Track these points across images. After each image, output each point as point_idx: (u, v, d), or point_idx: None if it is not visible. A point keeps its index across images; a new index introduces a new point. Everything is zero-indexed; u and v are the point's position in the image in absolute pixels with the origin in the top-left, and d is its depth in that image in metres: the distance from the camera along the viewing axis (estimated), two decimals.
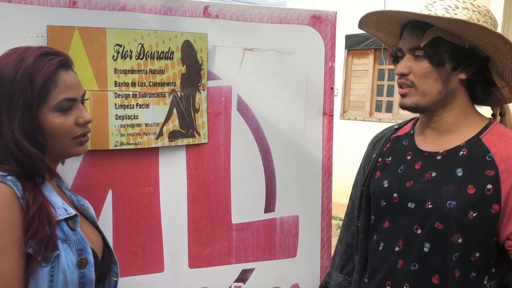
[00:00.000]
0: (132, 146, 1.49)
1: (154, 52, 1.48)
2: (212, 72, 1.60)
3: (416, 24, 1.26)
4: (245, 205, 1.70)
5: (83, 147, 1.23)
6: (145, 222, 1.55)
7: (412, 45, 1.26)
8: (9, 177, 1.08)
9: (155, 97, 1.50)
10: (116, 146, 1.46)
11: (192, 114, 1.57)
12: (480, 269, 1.21)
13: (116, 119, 1.45)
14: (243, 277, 1.72)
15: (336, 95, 7.21)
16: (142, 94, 1.48)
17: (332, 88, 1.78)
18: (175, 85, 1.53)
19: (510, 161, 1.19)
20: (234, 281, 1.71)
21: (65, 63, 1.18)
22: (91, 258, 1.17)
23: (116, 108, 1.44)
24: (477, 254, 1.20)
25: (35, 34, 1.34)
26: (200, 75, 1.57)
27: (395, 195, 1.32)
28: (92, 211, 1.34)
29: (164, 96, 1.52)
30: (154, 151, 1.54)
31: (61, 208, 1.15)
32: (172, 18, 1.51)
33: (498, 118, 1.40)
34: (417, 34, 1.25)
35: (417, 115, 1.40)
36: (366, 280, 1.38)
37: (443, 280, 1.22)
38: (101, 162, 1.47)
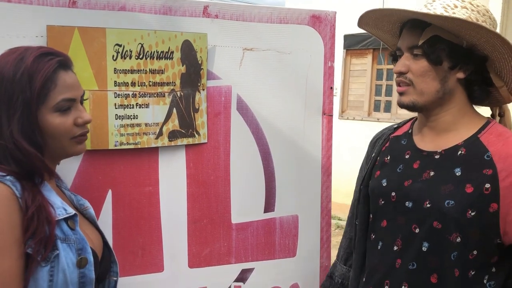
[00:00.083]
0: (132, 146, 1.49)
1: (154, 52, 1.48)
2: (211, 72, 1.60)
3: (415, 23, 1.26)
4: (244, 205, 1.70)
5: (82, 146, 1.23)
6: (144, 222, 1.55)
7: (410, 44, 1.26)
8: (8, 177, 1.08)
9: (154, 97, 1.50)
10: (115, 146, 1.46)
11: (192, 114, 1.57)
12: (478, 268, 1.21)
13: (116, 119, 1.45)
14: (242, 276, 1.72)
15: (335, 95, 7.22)
16: (142, 94, 1.48)
17: (331, 88, 1.79)
18: (174, 85, 1.53)
19: (509, 160, 1.19)
20: (234, 281, 1.71)
21: (65, 64, 1.18)
22: (90, 258, 1.17)
23: (116, 108, 1.44)
24: (475, 252, 1.20)
25: (35, 34, 1.34)
26: (200, 75, 1.57)
27: (393, 194, 1.32)
28: (91, 210, 1.34)
29: (164, 96, 1.52)
30: (154, 151, 1.54)
31: (60, 208, 1.15)
32: (172, 18, 1.51)
33: (498, 118, 1.40)
34: (415, 33, 1.26)
35: (416, 114, 1.40)
36: (364, 280, 1.39)
37: (441, 279, 1.22)
38: (100, 162, 1.47)
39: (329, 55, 1.77)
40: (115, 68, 1.43)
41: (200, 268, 1.64)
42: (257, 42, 1.65)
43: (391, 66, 7.07)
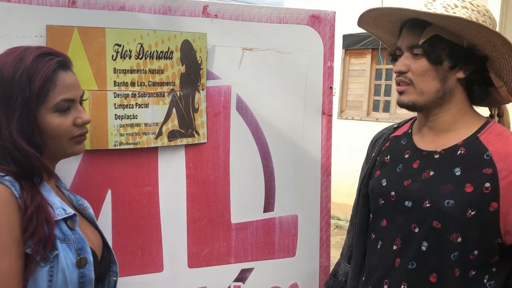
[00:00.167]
0: (132, 146, 1.49)
1: (154, 51, 1.48)
2: (211, 71, 1.60)
3: (415, 23, 1.26)
4: (244, 205, 1.70)
5: (81, 146, 1.23)
6: (144, 222, 1.55)
7: (410, 43, 1.27)
8: (7, 178, 1.08)
9: (154, 96, 1.50)
10: (115, 145, 1.46)
11: (192, 113, 1.57)
12: (479, 267, 1.21)
13: (116, 118, 1.45)
14: (242, 276, 1.72)
15: (334, 95, 7.23)
16: (142, 93, 1.48)
17: (331, 87, 1.79)
18: (174, 85, 1.53)
19: (509, 159, 1.19)
20: (233, 281, 1.71)
21: (64, 64, 1.18)
22: (90, 258, 1.17)
23: (115, 108, 1.44)
24: (476, 252, 1.21)
25: (34, 34, 1.33)
26: (199, 75, 1.57)
27: (392, 193, 1.32)
28: (91, 210, 1.34)
29: (164, 96, 1.52)
30: (154, 150, 1.54)
31: (60, 208, 1.15)
32: (171, 18, 1.51)
33: (496, 119, 1.40)
34: (415, 32, 1.26)
35: (415, 114, 1.40)
36: (364, 278, 1.39)
37: (441, 278, 1.23)
38: (100, 161, 1.47)
39: (329, 55, 1.77)
40: (114, 68, 1.43)
41: (199, 268, 1.64)
42: (256, 42, 1.65)
43: (390, 66, 7.09)
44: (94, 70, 1.40)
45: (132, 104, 1.47)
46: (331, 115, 1.80)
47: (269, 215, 1.74)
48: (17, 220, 1.05)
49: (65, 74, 1.17)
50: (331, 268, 1.73)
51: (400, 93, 1.30)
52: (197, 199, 1.62)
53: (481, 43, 1.22)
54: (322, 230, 1.83)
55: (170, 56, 1.51)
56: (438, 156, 1.28)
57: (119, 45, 1.42)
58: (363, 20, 1.38)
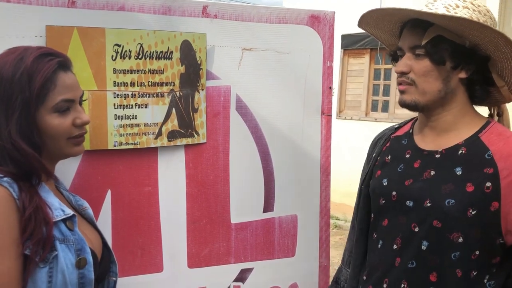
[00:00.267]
0: (131, 146, 1.49)
1: (153, 52, 1.48)
2: (211, 72, 1.60)
3: (416, 23, 1.26)
4: (244, 205, 1.70)
5: (80, 147, 1.23)
6: (144, 222, 1.55)
7: (412, 44, 1.26)
8: (5, 179, 1.08)
9: (154, 97, 1.50)
10: (115, 146, 1.46)
11: (191, 114, 1.57)
12: (480, 268, 1.21)
13: (115, 119, 1.45)
14: (242, 276, 1.72)
15: (333, 95, 7.23)
16: (141, 94, 1.48)
17: (330, 87, 1.79)
18: (174, 85, 1.53)
19: (510, 159, 1.19)
20: (233, 281, 1.71)
21: (64, 64, 1.18)
22: (90, 258, 1.17)
23: (115, 108, 1.44)
24: (477, 252, 1.21)
25: (34, 34, 1.33)
26: (199, 75, 1.57)
27: (394, 193, 1.32)
28: (90, 211, 1.33)
29: (163, 96, 1.52)
30: (153, 151, 1.54)
31: (58, 209, 1.15)
32: (171, 18, 1.51)
33: (496, 118, 1.41)
34: (417, 32, 1.26)
35: (416, 114, 1.41)
36: (364, 278, 1.39)
37: (441, 278, 1.23)
38: (100, 162, 1.47)
39: (328, 55, 1.77)
40: (114, 68, 1.43)
41: (199, 268, 1.64)
42: (256, 42, 1.65)
43: (388, 66, 7.10)
44: (93, 70, 1.40)
45: (132, 104, 1.47)
46: (330, 115, 1.81)
47: (268, 215, 1.74)
48: (16, 221, 1.05)
49: (65, 75, 1.17)
50: (331, 268, 1.73)
51: (402, 92, 1.30)
52: (196, 199, 1.62)
53: (484, 43, 1.22)
54: (321, 230, 1.83)
55: (170, 56, 1.51)
56: (439, 156, 1.29)
57: (119, 45, 1.42)
58: (364, 21, 1.38)
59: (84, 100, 1.27)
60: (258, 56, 1.66)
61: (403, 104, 1.31)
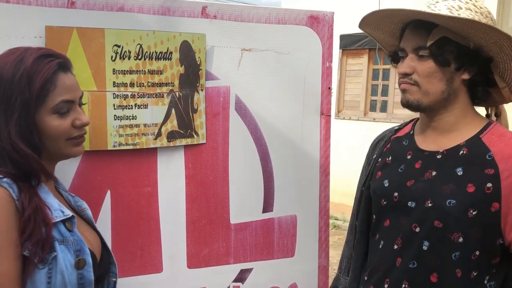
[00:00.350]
0: (131, 147, 1.48)
1: (153, 52, 1.48)
2: (210, 72, 1.60)
3: (419, 24, 1.26)
4: (243, 205, 1.70)
5: (79, 148, 1.23)
6: (143, 223, 1.55)
7: (416, 45, 1.26)
8: (5, 180, 1.08)
9: (153, 97, 1.50)
10: (114, 146, 1.46)
11: (191, 114, 1.57)
12: (480, 268, 1.22)
13: (115, 119, 1.45)
14: (241, 277, 1.72)
15: (331, 95, 7.23)
16: (141, 94, 1.48)
17: (329, 88, 1.79)
18: (173, 86, 1.53)
19: (511, 160, 1.20)
20: (233, 281, 1.71)
21: (64, 65, 1.18)
22: (89, 259, 1.17)
23: (114, 109, 1.44)
24: (477, 253, 1.21)
25: (33, 35, 1.33)
26: (198, 76, 1.57)
27: (395, 194, 1.32)
28: (89, 212, 1.33)
29: (163, 97, 1.52)
30: (153, 151, 1.54)
31: (58, 210, 1.15)
32: (171, 19, 1.51)
33: (494, 118, 1.41)
34: (420, 33, 1.25)
35: (415, 115, 1.41)
36: (366, 278, 1.39)
37: (441, 278, 1.23)
38: (99, 162, 1.47)
39: (327, 56, 1.77)
40: (113, 69, 1.43)
41: (199, 268, 1.64)
42: (255, 43, 1.65)
43: (387, 66, 7.11)
44: (93, 71, 1.40)
45: (131, 105, 1.47)
46: (329, 116, 1.81)
47: (268, 215, 1.74)
48: (15, 222, 1.05)
49: (65, 76, 1.17)
50: (330, 268, 1.73)
51: (404, 91, 1.30)
52: (196, 199, 1.62)
53: (488, 45, 1.22)
54: (321, 230, 1.83)
55: (169, 57, 1.51)
56: (440, 156, 1.29)
57: (118, 46, 1.42)
58: (366, 21, 1.38)
59: (84, 104, 1.26)
60: (257, 57, 1.66)
61: (406, 104, 1.30)
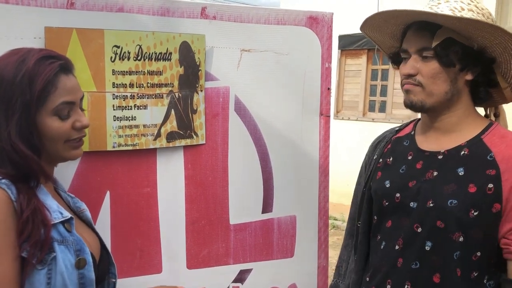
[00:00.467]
0: (130, 147, 1.48)
1: (152, 53, 1.48)
2: (209, 73, 1.60)
3: (422, 25, 1.26)
4: (242, 206, 1.70)
5: (78, 151, 1.23)
6: (143, 223, 1.55)
7: (421, 46, 1.26)
8: (3, 181, 1.07)
9: (153, 98, 1.50)
10: (114, 147, 1.46)
11: (190, 115, 1.57)
12: (481, 269, 1.22)
13: (114, 120, 1.45)
14: (241, 277, 1.72)
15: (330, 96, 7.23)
16: (140, 95, 1.48)
17: (328, 88, 1.79)
18: (173, 86, 1.53)
19: None
20: (232, 282, 1.71)
21: (66, 67, 1.18)
22: (89, 258, 1.17)
23: (114, 109, 1.44)
24: (479, 254, 1.21)
25: (33, 35, 1.33)
26: (198, 76, 1.57)
27: (397, 195, 1.32)
28: (88, 213, 1.33)
29: (162, 97, 1.52)
30: (152, 152, 1.54)
31: (56, 211, 1.15)
32: (170, 19, 1.51)
33: (493, 118, 1.41)
34: (424, 35, 1.25)
35: (415, 116, 1.41)
36: (367, 279, 1.39)
37: (444, 279, 1.23)
38: (99, 163, 1.47)
39: (326, 56, 1.77)
40: (113, 70, 1.43)
41: (198, 269, 1.64)
42: (254, 43, 1.65)
43: (385, 67, 7.11)
44: (92, 72, 1.40)
45: (131, 106, 1.47)
46: (328, 116, 1.81)
47: (267, 216, 1.74)
48: (13, 223, 1.05)
49: (66, 78, 1.17)
50: (329, 268, 1.74)
51: (407, 92, 1.29)
52: (195, 200, 1.62)
53: (492, 45, 1.22)
54: (320, 230, 1.83)
55: (169, 58, 1.51)
56: (441, 156, 1.29)
57: (118, 47, 1.42)
58: (369, 23, 1.37)
59: (83, 110, 1.26)
60: (256, 57, 1.66)
61: (409, 104, 1.30)
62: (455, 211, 1.21)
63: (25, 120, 1.10)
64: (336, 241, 5.39)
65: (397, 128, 1.50)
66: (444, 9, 1.23)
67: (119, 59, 1.43)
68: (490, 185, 1.19)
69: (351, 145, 6.79)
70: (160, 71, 1.50)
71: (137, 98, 1.48)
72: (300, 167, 1.78)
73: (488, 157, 1.23)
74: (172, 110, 1.54)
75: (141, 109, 1.49)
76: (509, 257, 1.20)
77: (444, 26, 1.23)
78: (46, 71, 1.11)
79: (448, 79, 1.26)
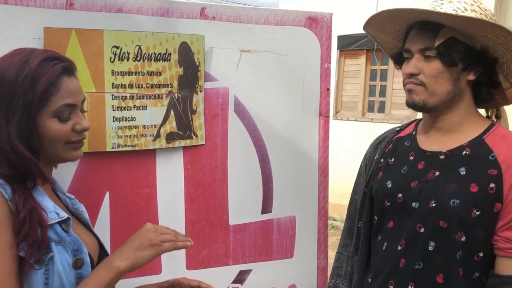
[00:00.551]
0: (130, 148, 1.48)
1: (151, 53, 1.48)
2: (209, 73, 1.60)
3: (425, 25, 1.26)
4: (242, 206, 1.70)
5: (78, 152, 1.22)
6: (142, 224, 1.53)
7: (424, 45, 1.26)
8: None
9: (152, 98, 1.50)
10: (113, 148, 1.46)
11: (189, 115, 1.57)
12: (483, 269, 1.23)
13: (114, 121, 1.44)
14: (240, 278, 1.72)
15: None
16: (140, 95, 1.48)
17: (328, 89, 1.79)
18: (172, 87, 1.53)
19: None
20: (232, 282, 1.71)
21: (69, 69, 1.17)
22: (87, 258, 1.16)
23: (113, 110, 1.44)
24: (481, 254, 1.22)
25: (32, 36, 1.33)
26: (197, 77, 1.57)
27: (399, 195, 1.32)
28: (86, 215, 1.33)
29: (162, 98, 1.52)
30: (152, 152, 1.54)
31: (53, 212, 1.14)
32: (169, 20, 1.51)
33: (494, 119, 1.41)
34: (427, 34, 1.25)
35: (415, 116, 1.41)
36: (369, 280, 1.39)
37: (447, 279, 1.23)
38: (98, 164, 1.47)
39: (326, 57, 1.78)
40: (112, 70, 1.43)
41: (198, 269, 1.64)
42: (254, 44, 1.66)
43: (384, 67, 7.12)
44: (92, 72, 1.40)
45: (130, 106, 1.47)
46: (328, 117, 1.81)
47: (267, 216, 1.74)
48: (9, 223, 1.04)
49: (68, 80, 1.16)
50: (329, 269, 1.73)
51: (410, 91, 1.29)
52: (195, 201, 1.62)
53: (495, 45, 1.23)
54: (319, 231, 1.83)
55: (168, 58, 1.51)
56: (443, 156, 1.29)
57: (117, 47, 1.42)
58: (372, 22, 1.36)
59: (84, 113, 1.25)
60: (256, 58, 1.66)
61: (411, 104, 1.30)
62: (457, 211, 1.21)
63: (26, 121, 1.10)
64: (335, 241, 5.38)
65: (398, 128, 1.50)
66: (448, 9, 1.23)
67: (119, 59, 1.43)
68: (492, 185, 1.20)
69: (350, 145, 6.79)
70: (160, 72, 1.50)
71: (137, 99, 1.47)
72: (299, 167, 1.78)
73: (490, 157, 1.23)
74: (172, 110, 1.54)
75: (140, 109, 1.48)
76: (498, 253, 1.21)
77: (447, 25, 1.23)
78: (49, 73, 1.11)
79: (451, 79, 1.26)
